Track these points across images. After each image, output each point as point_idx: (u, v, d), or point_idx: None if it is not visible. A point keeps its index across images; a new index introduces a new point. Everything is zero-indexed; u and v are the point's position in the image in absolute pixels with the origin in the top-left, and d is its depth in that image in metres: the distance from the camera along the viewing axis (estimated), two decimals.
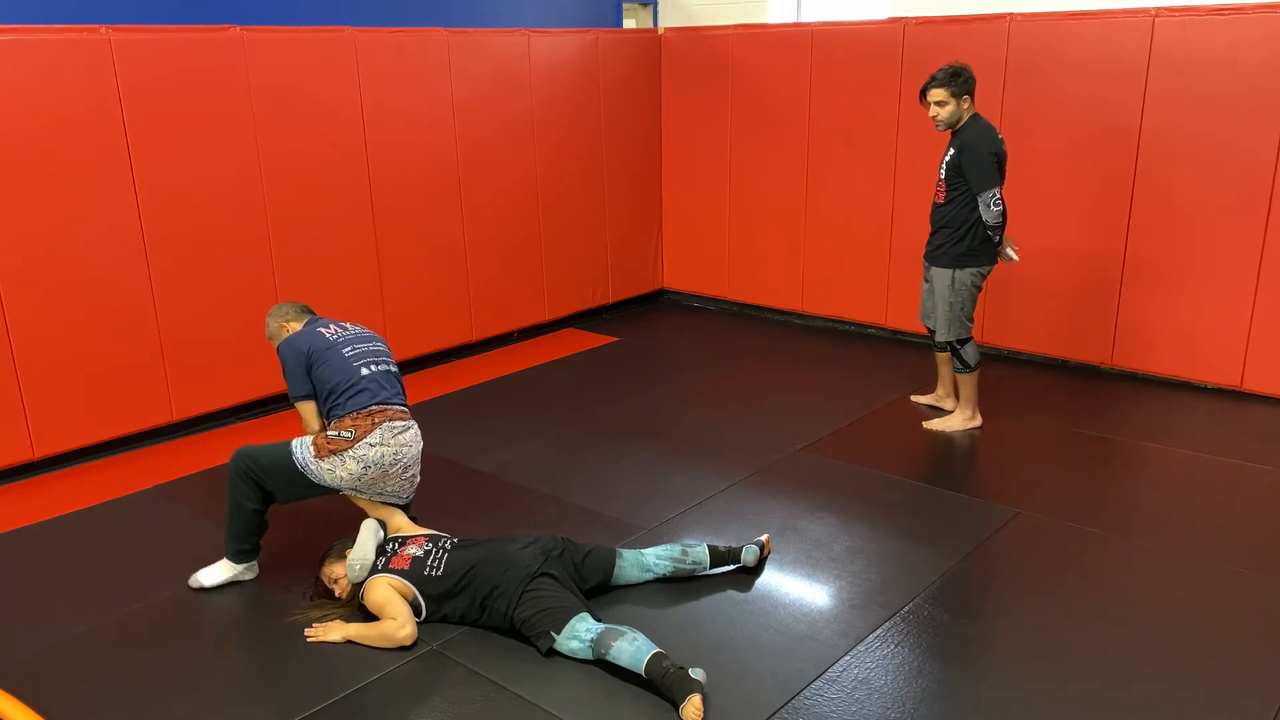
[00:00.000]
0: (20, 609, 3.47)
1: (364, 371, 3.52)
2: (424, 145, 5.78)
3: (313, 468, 3.38)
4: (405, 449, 3.48)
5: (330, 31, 5.28)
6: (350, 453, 3.37)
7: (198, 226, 4.87)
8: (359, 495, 3.54)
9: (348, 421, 3.41)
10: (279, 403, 5.39)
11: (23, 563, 3.80)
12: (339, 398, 3.46)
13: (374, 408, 3.45)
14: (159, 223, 4.73)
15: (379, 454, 3.40)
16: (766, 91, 6.59)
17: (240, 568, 3.53)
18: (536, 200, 6.49)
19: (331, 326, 3.67)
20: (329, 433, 3.42)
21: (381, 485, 3.50)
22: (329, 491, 3.52)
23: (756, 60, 6.60)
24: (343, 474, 3.39)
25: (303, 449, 3.41)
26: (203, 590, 3.51)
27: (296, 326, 3.68)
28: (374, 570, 3.27)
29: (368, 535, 3.36)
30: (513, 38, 6.15)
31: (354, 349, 3.58)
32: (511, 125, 6.23)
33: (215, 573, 3.53)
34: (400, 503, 3.61)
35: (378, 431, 3.41)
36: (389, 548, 3.35)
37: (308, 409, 3.55)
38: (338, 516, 3.85)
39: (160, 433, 4.96)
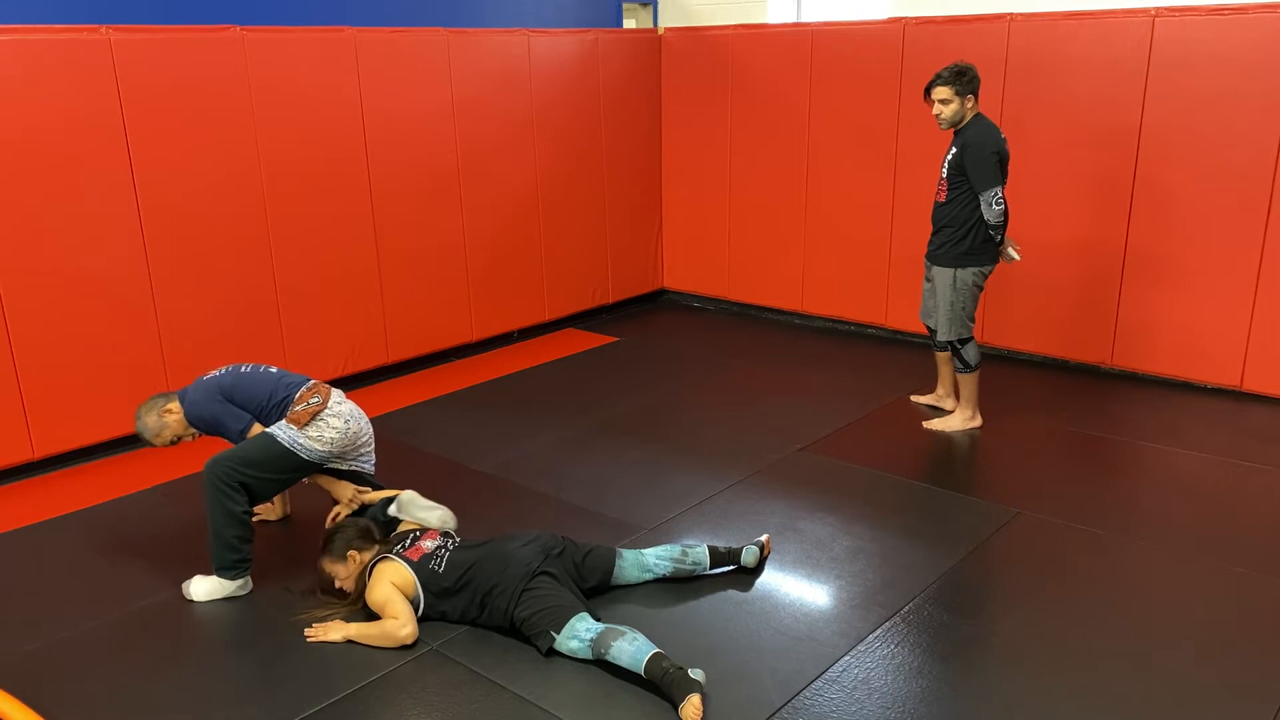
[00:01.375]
0: (20, 609, 3.47)
1: (274, 370, 3.70)
2: (424, 145, 5.78)
3: (301, 441, 3.45)
4: (356, 407, 3.70)
5: (330, 31, 5.28)
6: (328, 411, 3.53)
7: (198, 226, 4.87)
8: (341, 464, 3.61)
9: (305, 395, 3.55)
10: None
11: (23, 563, 3.81)
12: (278, 395, 3.58)
13: (310, 383, 3.63)
14: (159, 222, 4.73)
15: (349, 409, 3.61)
16: (766, 91, 6.59)
17: (235, 585, 3.46)
18: (536, 200, 6.49)
19: (207, 375, 3.69)
20: (296, 408, 3.50)
21: (358, 445, 3.64)
22: (312, 470, 3.57)
23: (756, 60, 6.60)
24: (330, 434, 3.50)
25: (285, 431, 3.46)
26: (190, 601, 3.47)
27: (175, 406, 3.61)
28: (390, 553, 3.29)
29: (416, 502, 3.55)
30: (513, 38, 6.15)
31: (244, 366, 3.71)
32: (511, 125, 6.23)
33: (207, 588, 3.46)
34: (370, 470, 3.73)
35: (333, 394, 3.61)
36: (409, 538, 3.37)
37: (260, 429, 3.55)
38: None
39: None
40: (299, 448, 3.44)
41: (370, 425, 3.74)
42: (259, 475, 3.42)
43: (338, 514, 3.73)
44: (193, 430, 3.63)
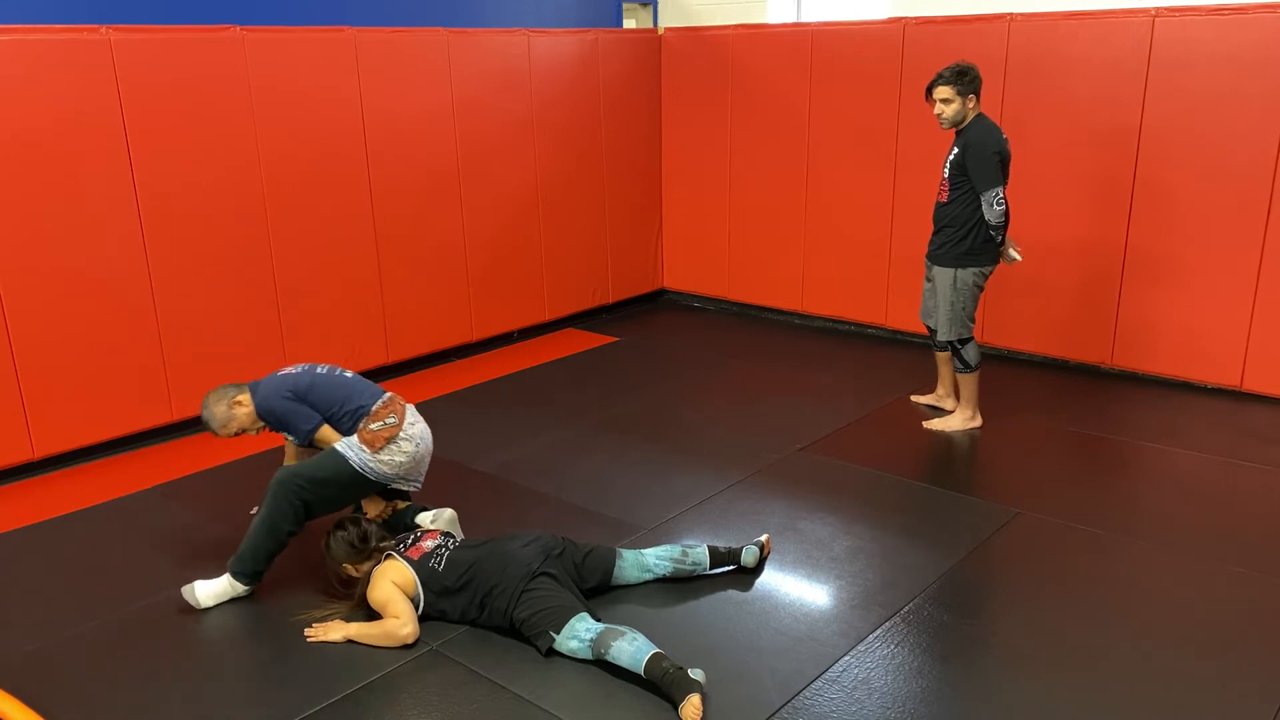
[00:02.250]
0: (20, 609, 3.47)
1: (349, 375, 3.65)
2: (424, 145, 5.78)
3: (372, 465, 3.45)
4: (426, 427, 3.66)
5: (330, 31, 5.28)
6: (402, 435, 3.50)
7: (198, 226, 4.87)
8: (404, 484, 3.60)
9: (381, 413, 3.51)
10: None
11: (23, 563, 3.81)
12: (352, 403, 3.54)
13: (386, 396, 3.59)
14: (159, 222, 4.73)
15: (420, 430, 3.58)
16: (766, 91, 6.59)
17: (243, 589, 3.44)
18: (536, 200, 6.48)
19: (283, 371, 3.64)
20: (372, 426, 3.47)
21: (422, 465, 3.62)
22: (374, 490, 3.56)
23: (756, 60, 6.60)
24: (400, 459, 3.49)
25: (356, 451, 3.44)
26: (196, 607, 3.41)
27: (245, 398, 3.53)
28: (394, 552, 3.30)
29: (455, 524, 3.65)
30: (513, 38, 6.15)
31: (320, 367, 3.66)
32: (511, 125, 6.23)
33: (215, 590, 3.41)
34: (417, 489, 3.71)
35: (408, 411, 3.58)
36: (409, 538, 3.39)
37: (329, 432, 3.52)
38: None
39: (160, 433, 4.96)
40: (369, 470, 3.45)
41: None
42: (325, 494, 3.42)
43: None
44: (260, 424, 3.55)
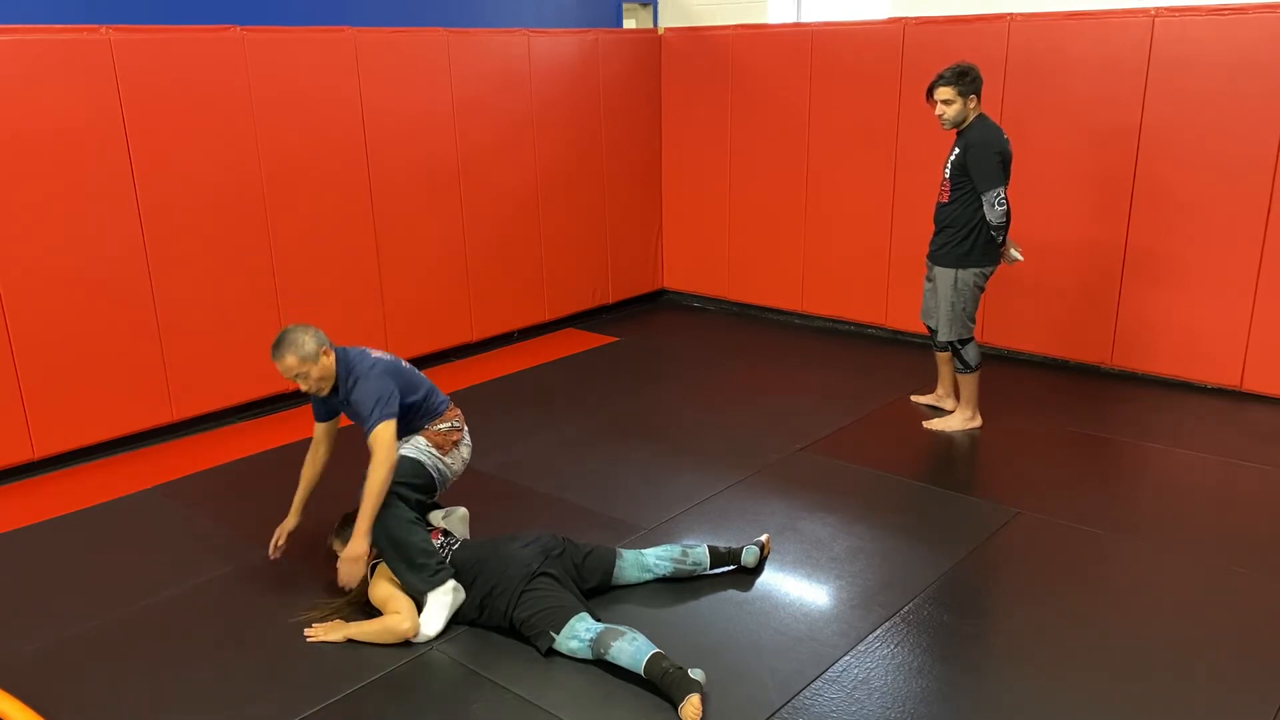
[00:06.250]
0: (20, 609, 3.47)
1: (418, 371, 3.64)
2: (424, 145, 5.78)
3: (441, 466, 3.48)
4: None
5: (330, 31, 5.28)
6: (463, 440, 3.58)
7: (198, 226, 4.87)
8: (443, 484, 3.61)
9: (449, 416, 3.57)
10: (279, 402, 5.39)
11: (23, 563, 3.81)
12: (430, 399, 3.55)
13: (450, 403, 3.64)
14: (159, 222, 4.73)
15: (468, 437, 3.65)
16: (766, 91, 6.59)
17: (450, 583, 3.20)
18: (536, 200, 6.48)
19: (373, 351, 3.51)
20: (439, 427, 3.51)
21: (459, 472, 3.66)
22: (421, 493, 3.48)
23: (756, 60, 6.60)
24: (458, 465, 3.57)
25: (427, 454, 3.43)
26: (428, 639, 3.19)
27: (332, 353, 3.35)
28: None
29: (466, 521, 3.68)
30: (513, 38, 6.15)
31: (386, 355, 3.54)
32: (511, 125, 6.23)
33: (434, 611, 3.19)
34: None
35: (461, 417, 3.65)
36: None
37: (391, 429, 3.27)
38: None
39: (160, 433, 4.96)
40: (438, 471, 3.47)
41: None
42: (410, 498, 3.36)
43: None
44: (323, 384, 3.33)
